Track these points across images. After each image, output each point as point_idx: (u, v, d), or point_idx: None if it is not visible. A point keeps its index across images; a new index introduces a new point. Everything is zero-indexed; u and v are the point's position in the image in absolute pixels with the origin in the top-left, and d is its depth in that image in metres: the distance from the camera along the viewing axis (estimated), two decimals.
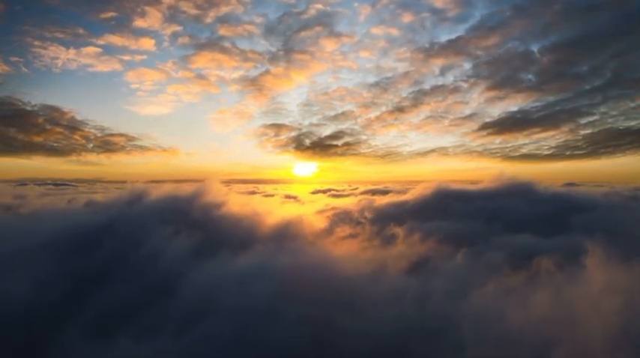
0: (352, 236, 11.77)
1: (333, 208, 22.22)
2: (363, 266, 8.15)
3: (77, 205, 20.17)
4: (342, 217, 15.50)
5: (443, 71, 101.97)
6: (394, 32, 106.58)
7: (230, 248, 9.49)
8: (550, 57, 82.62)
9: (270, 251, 8.56)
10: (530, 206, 17.82)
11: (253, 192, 56.49)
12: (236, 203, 14.84)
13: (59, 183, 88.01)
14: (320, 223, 12.57)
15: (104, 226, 11.86)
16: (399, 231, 13.63)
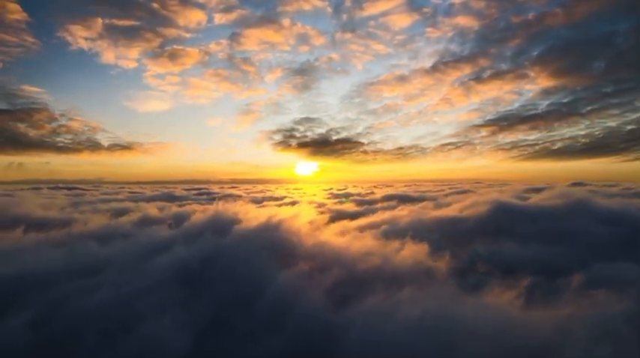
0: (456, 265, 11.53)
1: (383, 223, 22.03)
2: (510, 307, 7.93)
3: (133, 222, 19.85)
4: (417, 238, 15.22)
5: (514, 55, 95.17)
6: (478, 5, 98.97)
7: (362, 290, 9.25)
8: (634, 40, 76.15)
9: (419, 296, 8.31)
10: (600, 226, 17.63)
11: (271, 198, 56.12)
12: (330, 228, 14.57)
13: (70, 187, 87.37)
14: (419, 253, 12.31)
15: (204, 260, 11.62)
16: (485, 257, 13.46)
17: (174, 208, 23.34)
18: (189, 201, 44.95)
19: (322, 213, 23.63)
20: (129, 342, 8.21)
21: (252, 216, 15.80)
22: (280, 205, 38.36)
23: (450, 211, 23.91)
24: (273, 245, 12.24)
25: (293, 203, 40.89)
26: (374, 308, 8.06)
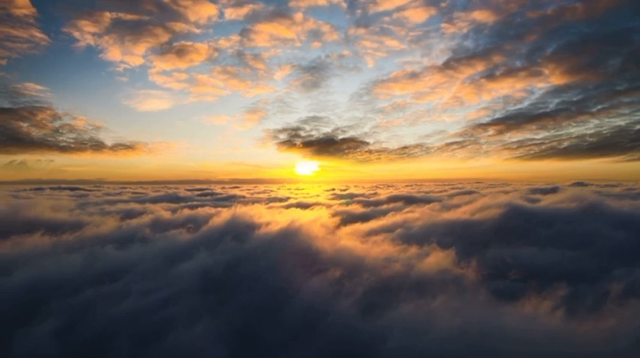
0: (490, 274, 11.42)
1: (396, 226, 22.00)
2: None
3: (147, 225, 19.72)
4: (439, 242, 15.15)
5: (530, 52, 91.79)
6: None
7: (392, 297, 9.20)
8: None
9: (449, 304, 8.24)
10: (616, 229, 17.58)
11: (276, 199, 56.07)
12: (344, 231, 14.53)
13: (73, 187, 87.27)
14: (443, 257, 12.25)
15: (228, 267, 11.55)
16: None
17: (186, 211, 23.25)
18: (194, 202, 44.89)
19: (334, 215, 23.52)
20: (160, 351, 8.15)
21: (269, 219, 15.73)
22: (287, 206, 38.32)
23: (462, 214, 23.82)
24: (295, 250, 12.18)
25: (299, 204, 40.85)
26: (409, 317, 7.98)
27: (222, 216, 16.46)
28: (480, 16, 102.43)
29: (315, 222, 15.62)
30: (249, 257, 11.80)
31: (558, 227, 18.53)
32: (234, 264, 11.52)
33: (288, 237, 12.77)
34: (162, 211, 24.48)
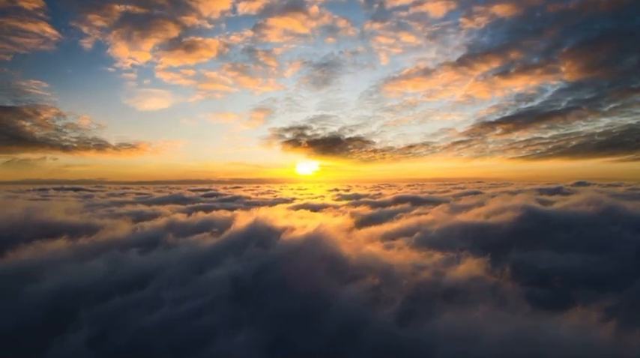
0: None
1: (412, 229, 21.93)
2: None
3: (164, 228, 19.59)
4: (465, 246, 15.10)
5: (548, 48, 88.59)
6: None
7: (428, 306, 9.12)
8: None
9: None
10: (637, 233, 17.51)
11: (281, 199, 56.00)
12: (362, 235, 14.46)
13: (76, 188, 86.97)
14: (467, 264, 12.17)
15: (257, 273, 11.46)
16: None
17: (201, 213, 23.10)
18: (201, 203, 44.81)
19: (351, 218, 23.42)
20: None
21: (289, 223, 15.62)
22: (295, 208, 38.23)
23: (476, 217, 23.72)
24: (322, 256, 12.09)
25: (307, 206, 40.76)
26: (453, 325, 7.91)
27: (241, 219, 16.33)
28: (500, 10, 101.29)
29: (336, 226, 15.54)
30: (277, 263, 11.70)
31: (578, 230, 18.44)
32: (263, 271, 11.42)
33: (314, 243, 12.67)
34: (176, 214, 24.32)
